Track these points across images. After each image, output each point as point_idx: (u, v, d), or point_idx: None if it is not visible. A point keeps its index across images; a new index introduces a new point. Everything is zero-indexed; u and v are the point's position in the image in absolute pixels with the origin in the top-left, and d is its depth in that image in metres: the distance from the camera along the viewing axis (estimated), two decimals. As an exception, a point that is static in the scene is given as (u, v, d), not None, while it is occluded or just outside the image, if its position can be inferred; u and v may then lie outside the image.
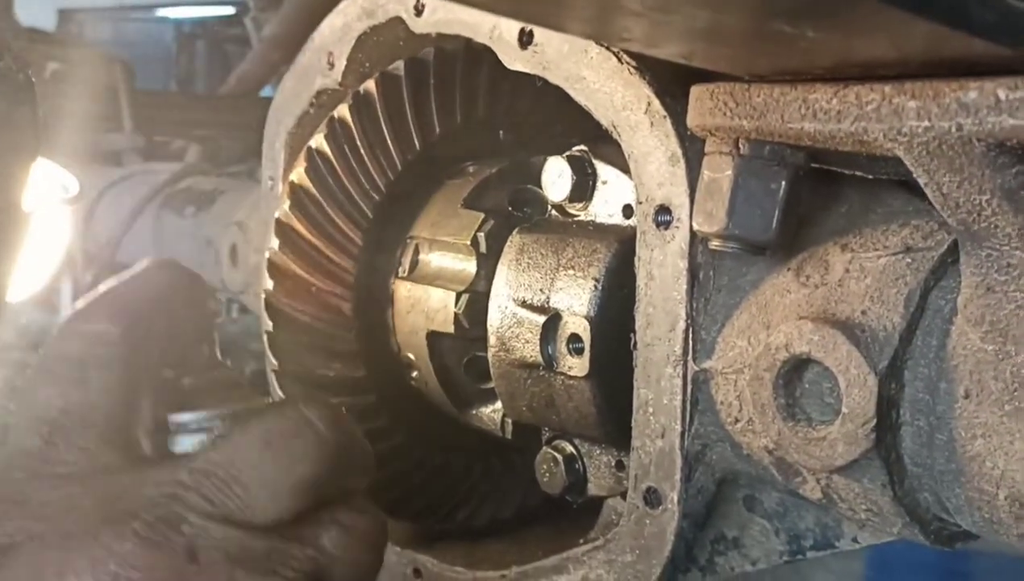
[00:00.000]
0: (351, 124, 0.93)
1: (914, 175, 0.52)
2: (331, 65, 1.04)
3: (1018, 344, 0.55)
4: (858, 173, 0.65)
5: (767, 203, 0.59)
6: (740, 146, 0.59)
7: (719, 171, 0.60)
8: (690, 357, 0.71)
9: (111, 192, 1.74)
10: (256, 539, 0.53)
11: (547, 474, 0.87)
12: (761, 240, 0.60)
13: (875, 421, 0.59)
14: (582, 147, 0.83)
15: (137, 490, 0.52)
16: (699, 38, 0.48)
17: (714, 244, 0.63)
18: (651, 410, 0.74)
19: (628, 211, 0.79)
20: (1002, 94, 0.45)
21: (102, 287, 0.61)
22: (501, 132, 1.03)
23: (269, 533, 0.54)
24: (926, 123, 0.48)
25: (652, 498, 0.75)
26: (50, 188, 0.73)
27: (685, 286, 0.70)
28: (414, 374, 0.96)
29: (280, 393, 0.95)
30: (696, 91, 0.62)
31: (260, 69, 2.55)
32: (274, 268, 0.92)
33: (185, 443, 0.58)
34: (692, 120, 0.63)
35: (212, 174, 1.66)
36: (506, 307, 0.82)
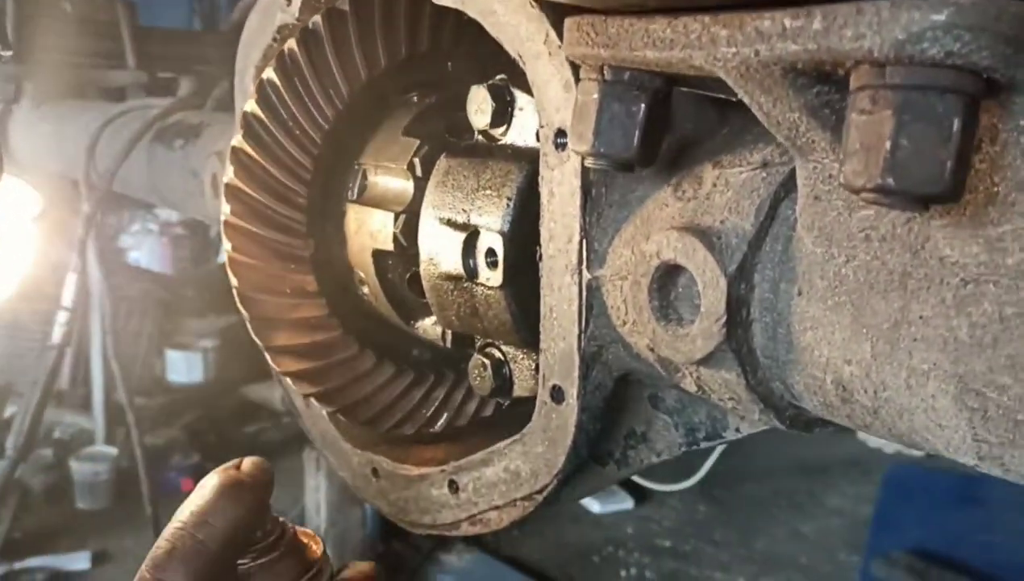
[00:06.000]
0: (299, 57, 1.00)
1: (740, 97, 0.59)
2: (288, 1, 1.10)
3: (839, 246, 0.62)
4: (729, 97, 0.71)
5: (628, 124, 0.66)
6: (604, 72, 0.66)
7: (587, 95, 0.67)
8: (584, 266, 0.78)
9: (110, 127, 1.83)
10: None
11: (478, 378, 0.95)
12: (624, 157, 0.67)
13: (726, 318, 0.66)
14: (503, 76, 0.90)
15: None
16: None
17: (587, 162, 0.70)
18: (554, 315, 0.82)
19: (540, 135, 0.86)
20: (787, 22, 0.52)
21: (179, 523, 0.70)
22: (449, 64, 1.10)
23: None
24: (734, 49, 0.55)
25: (556, 395, 0.83)
26: (16, 205, 0.78)
27: (579, 202, 0.77)
28: (365, 290, 1.05)
29: (243, 309, 1.04)
30: (568, 23, 0.68)
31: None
32: (231, 193, 1.00)
33: None
34: (566, 49, 0.69)
35: (202, 108, 1.74)
36: (433, 225, 0.90)
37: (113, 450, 5.00)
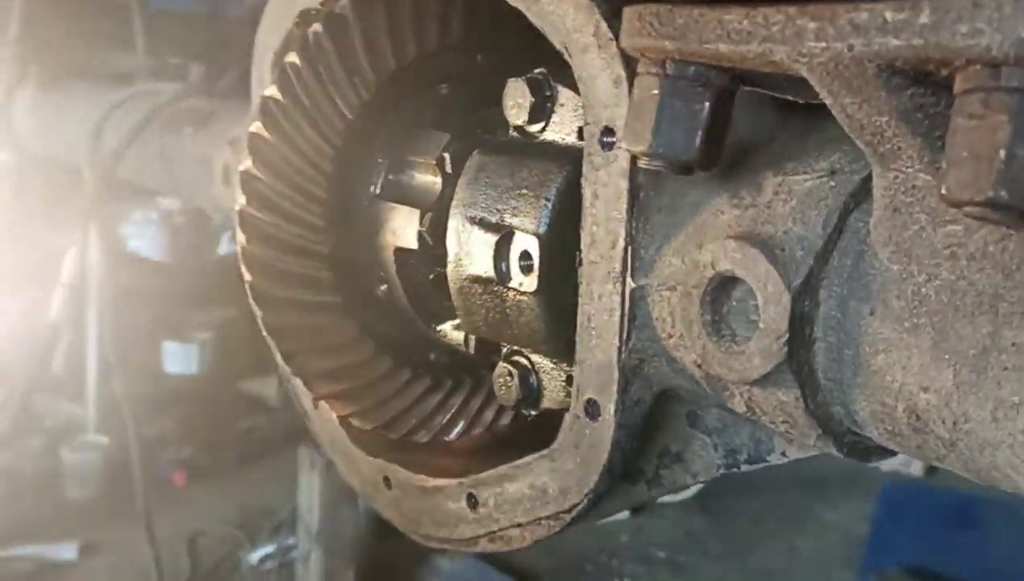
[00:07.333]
0: (324, 42, 0.95)
1: (821, 97, 0.54)
2: (312, -15, 1.05)
3: (920, 264, 0.57)
4: (796, 98, 0.66)
5: (690, 123, 0.61)
6: (666, 67, 0.61)
7: (647, 91, 0.62)
8: (628, 274, 0.73)
9: (117, 112, 1.78)
10: None
11: (503, 387, 0.90)
12: (684, 159, 0.62)
13: (788, 336, 0.62)
14: (542, 69, 0.85)
15: None
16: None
17: (642, 162, 0.65)
18: (593, 325, 0.77)
19: (582, 133, 0.81)
20: (889, 15, 0.47)
21: None
22: (479, 55, 1.04)
23: None
24: (823, 44, 0.50)
25: (592, 410, 0.78)
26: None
27: (626, 205, 0.72)
28: (384, 289, 0.99)
29: (255, 307, 0.99)
30: (627, 12, 0.63)
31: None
32: (247, 183, 0.95)
33: None
34: (624, 41, 0.64)
35: (213, 95, 1.69)
36: (464, 224, 0.85)
37: (105, 439, 4.94)
